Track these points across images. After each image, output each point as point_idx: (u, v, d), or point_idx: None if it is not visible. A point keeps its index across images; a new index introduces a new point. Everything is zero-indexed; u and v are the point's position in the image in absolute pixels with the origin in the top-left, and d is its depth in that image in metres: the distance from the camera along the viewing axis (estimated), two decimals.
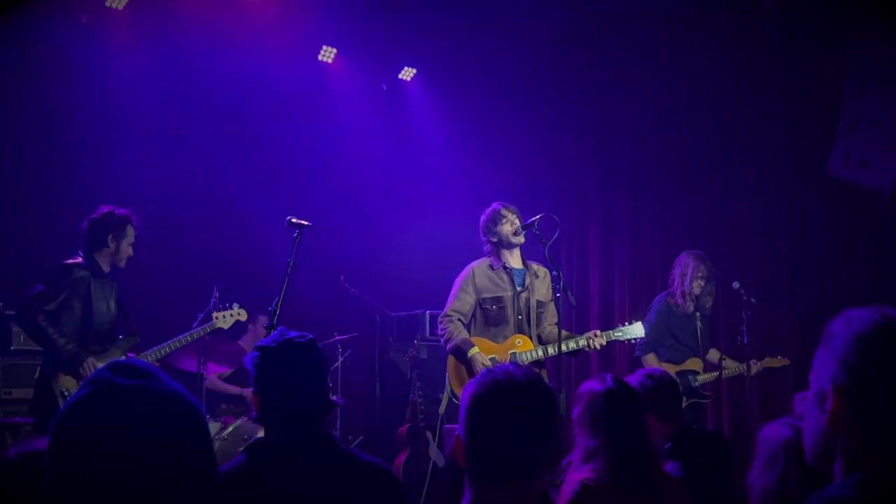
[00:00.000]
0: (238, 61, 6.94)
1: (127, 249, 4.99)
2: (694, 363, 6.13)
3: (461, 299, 5.33)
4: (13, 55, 6.19)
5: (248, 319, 5.66)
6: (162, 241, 6.36)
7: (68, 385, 4.65)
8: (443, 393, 5.47)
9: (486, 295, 5.31)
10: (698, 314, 6.11)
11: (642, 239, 7.77)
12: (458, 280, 5.42)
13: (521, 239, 5.36)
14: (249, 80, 7.08)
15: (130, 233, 5.00)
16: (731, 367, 6.22)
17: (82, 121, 6.54)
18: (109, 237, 4.93)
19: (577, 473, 2.78)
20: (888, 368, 1.35)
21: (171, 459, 1.23)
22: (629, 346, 6.49)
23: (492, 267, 5.39)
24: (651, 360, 6.04)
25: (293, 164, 7.60)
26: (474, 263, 5.47)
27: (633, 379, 3.45)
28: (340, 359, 6.88)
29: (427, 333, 7.38)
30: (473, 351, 5.14)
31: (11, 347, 5.54)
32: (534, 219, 5.31)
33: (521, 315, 5.33)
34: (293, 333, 2.42)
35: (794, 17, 6.50)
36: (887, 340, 1.37)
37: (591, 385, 2.90)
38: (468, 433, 1.84)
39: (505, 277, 5.36)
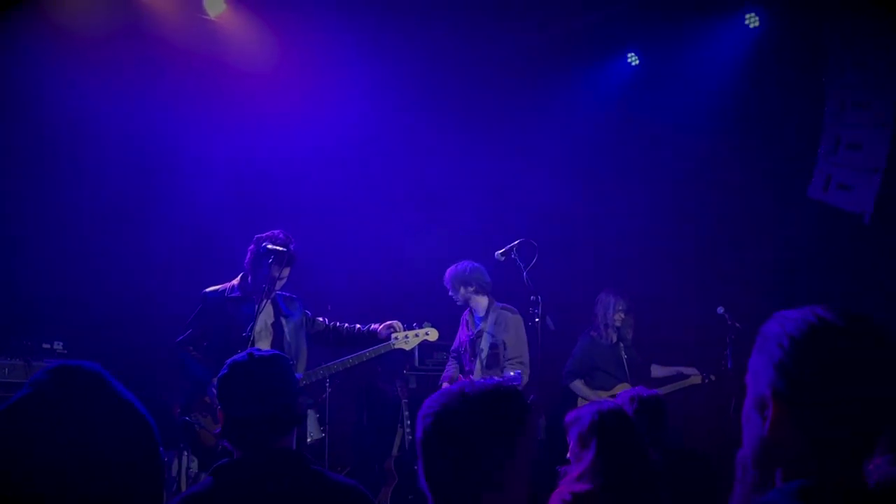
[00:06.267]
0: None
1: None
2: (622, 387, 6.26)
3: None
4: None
5: None
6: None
7: None
8: None
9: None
10: (622, 344, 6.56)
11: (624, 260, 7.71)
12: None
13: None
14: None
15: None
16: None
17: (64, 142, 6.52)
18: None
19: (569, 487, 2.80)
20: (826, 372, 1.30)
21: (119, 472, 1.18)
22: None
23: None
24: (579, 386, 6.47)
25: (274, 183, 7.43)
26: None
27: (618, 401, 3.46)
28: (328, 389, 6.59)
29: (416, 363, 7.21)
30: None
31: None
32: (511, 244, 5.34)
33: (473, 356, 5.79)
34: (263, 351, 2.45)
35: (776, 37, 6.60)
36: (823, 342, 1.32)
37: (587, 407, 2.99)
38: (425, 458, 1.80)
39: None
